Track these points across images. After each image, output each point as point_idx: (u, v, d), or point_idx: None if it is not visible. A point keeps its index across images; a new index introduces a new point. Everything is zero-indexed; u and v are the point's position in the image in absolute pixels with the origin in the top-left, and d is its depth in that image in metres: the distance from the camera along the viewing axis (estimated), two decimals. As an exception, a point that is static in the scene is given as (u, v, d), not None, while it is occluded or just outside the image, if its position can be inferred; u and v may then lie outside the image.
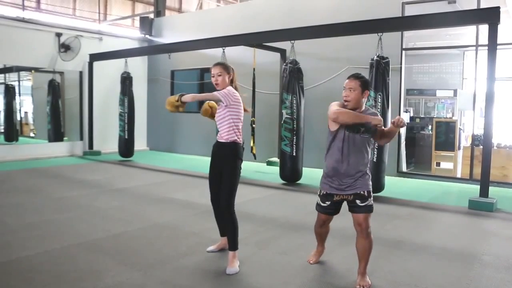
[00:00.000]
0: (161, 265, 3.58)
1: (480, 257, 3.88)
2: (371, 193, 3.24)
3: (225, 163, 3.58)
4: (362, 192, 3.20)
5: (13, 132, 10.65)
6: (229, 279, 3.32)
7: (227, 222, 3.58)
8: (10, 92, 10.70)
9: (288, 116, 7.15)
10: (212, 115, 3.73)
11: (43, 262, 3.62)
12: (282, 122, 7.26)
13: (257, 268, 3.55)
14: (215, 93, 3.50)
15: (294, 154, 7.19)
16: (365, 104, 3.31)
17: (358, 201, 3.19)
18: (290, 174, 7.34)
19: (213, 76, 3.62)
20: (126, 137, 10.08)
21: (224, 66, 3.63)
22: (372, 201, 3.22)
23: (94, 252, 3.89)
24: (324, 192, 3.33)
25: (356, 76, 3.22)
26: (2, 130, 10.75)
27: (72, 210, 5.37)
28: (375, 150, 6.17)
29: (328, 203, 3.32)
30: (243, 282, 3.29)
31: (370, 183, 3.27)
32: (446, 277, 3.41)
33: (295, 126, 7.13)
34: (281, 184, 7.37)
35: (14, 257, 3.71)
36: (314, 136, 8.14)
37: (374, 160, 6.20)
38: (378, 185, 6.26)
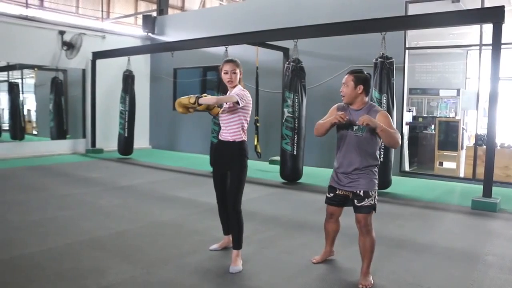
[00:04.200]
0: (164, 263, 3.59)
1: (483, 257, 3.87)
2: (371, 194, 3.22)
3: (234, 162, 3.56)
4: (358, 192, 3.24)
5: (18, 130, 10.67)
6: (232, 278, 3.32)
7: (233, 221, 3.57)
8: (13, 90, 10.73)
9: (290, 115, 7.14)
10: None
11: (46, 259, 3.63)
12: (283, 121, 7.26)
13: (260, 267, 3.55)
14: (232, 94, 3.43)
15: (295, 153, 7.18)
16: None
17: (355, 201, 3.26)
18: (291, 173, 7.32)
19: (226, 73, 3.55)
20: (126, 135, 10.06)
21: (237, 63, 3.58)
22: (371, 202, 3.22)
23: (97, 249, 3.89)
24: (330, 184, 3.45)
25: (351, 72, 3.32)
26: (7, 128, 10.78)
27: (75, 208, 5.38)
28: (381, 149, 6.16)
29: (331, 194, 3.44)
30: (246, 280, 3.30)
31: (372, 184, 3.25)
32: (449, 277, 3.41)
33: (296, 124, 7.12)
34: (282, 183, 7.36)
35: (17, 254, 3.72)
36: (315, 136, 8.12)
37: (381, 159, 6.18)
38: (385, 183, 6.33)
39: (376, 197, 3.28)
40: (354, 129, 3.23)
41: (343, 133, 3.30)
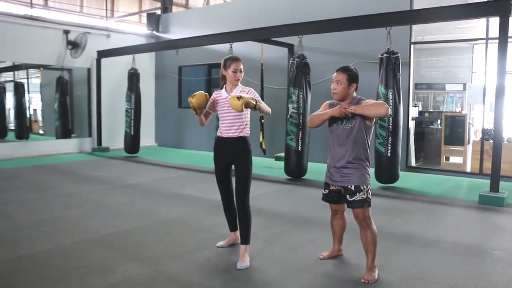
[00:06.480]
0: (171, 260, 3.59)
1: (491, 252, 3.85)
2: (362, 188, 3.21)
3: (239, 158, 3.57)
4: (349, 186, 3.24)
5: (23, 129, 10.72)
6: (240, 274, 3.33)
7: (242, 215, 3.57)
8: (19, 90, 10.79)
9: (294, 111, 7.13)
10: (200, 105, 3.58)
11: (54, 258, 3.65)
12: (288, 117, 7.24)
13: (267, 263, 3.55)
14: (265, 105, 3.57)
15: (299, 149, 7.17)
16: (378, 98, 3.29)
17: (347, 196, 3.26)
18: (295, 169, 7.31)
19: (236, 72, 3.57)
20: (132, 133, 10.10)
21: (242, 61, 3.62)
22: (363, 196, 3.21)
23: (104, 247, 3.91)
24: (325, 181, 3.47)
25: (344, 69, 3.29)
26: (13, 128, 10.85)
27: (82, 206, 5.40)
28: (389, 145, 6.18)
29: (327, 191, 3.46)
30: (254, 277, 3.30)
31: (363, 178, 3.23)
32: (457, 272, 3.39)
33: (301, 120, 7.10)
34: (287, 179, 7.35)
35: (25, 253, 3.74)
36: (320, 131, 8.08)
37: (388, 154, 6.22)
38: (394, 177, 6.50)
39: (369, 191, 3.27)
40: (343, 123, 3.24)
41: (333, 128, 3.32)
